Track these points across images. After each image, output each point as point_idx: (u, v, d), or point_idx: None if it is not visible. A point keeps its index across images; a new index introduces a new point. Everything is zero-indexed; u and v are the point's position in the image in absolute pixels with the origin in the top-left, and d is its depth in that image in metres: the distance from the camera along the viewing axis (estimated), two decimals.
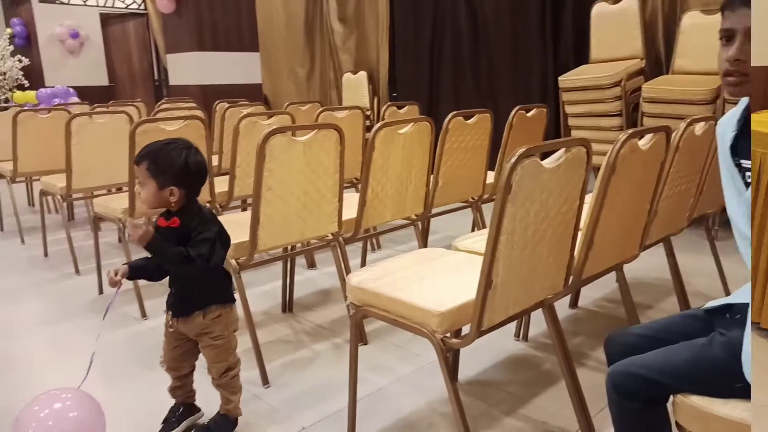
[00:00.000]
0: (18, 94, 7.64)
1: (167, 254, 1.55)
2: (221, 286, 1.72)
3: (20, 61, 8.08)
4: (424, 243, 2.87)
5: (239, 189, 2.94)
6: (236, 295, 2.18)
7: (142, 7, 9.28)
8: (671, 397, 1.20)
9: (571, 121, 4.05)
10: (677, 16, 3.85)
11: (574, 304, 2.74)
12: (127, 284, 2.81)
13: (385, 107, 4.00)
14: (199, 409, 1.85)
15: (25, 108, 4.12)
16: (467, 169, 2.93)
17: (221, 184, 3.00)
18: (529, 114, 3.22)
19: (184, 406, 1.82)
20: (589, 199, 1.64)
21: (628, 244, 1.95)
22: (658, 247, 2.27)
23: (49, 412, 1.43)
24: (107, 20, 9.53)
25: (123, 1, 9.54)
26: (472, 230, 3.42)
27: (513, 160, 1.25)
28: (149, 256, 1.61)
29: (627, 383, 1.21)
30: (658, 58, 4.08)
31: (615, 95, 3.73)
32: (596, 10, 4.12)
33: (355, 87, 6.12)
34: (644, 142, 1.72)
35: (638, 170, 1.74)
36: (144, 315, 2.73)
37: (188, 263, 1.54)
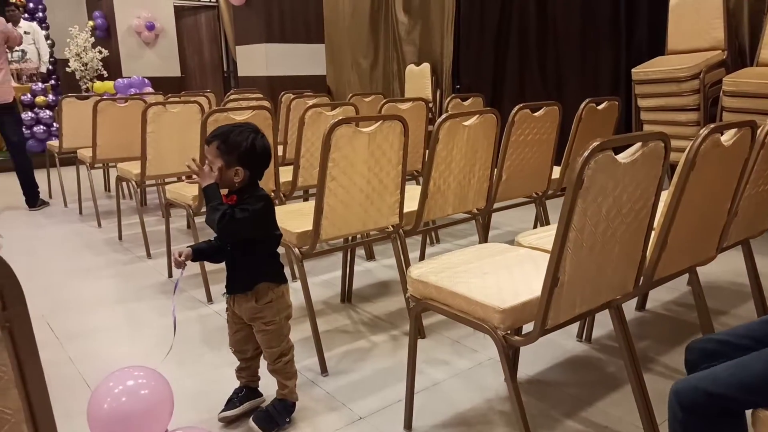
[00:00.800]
0: (98, 84, 8.05)
1: (210, 200, 1.64)
2: (270, 265, 1.76)
3: (100, 52, 8.50)
4: (484, 238, 2.83)
5: (303, 179, 2.99)
6: (297, 284, 2.23)
7: None
8: (748, 412, 1.14)
9: (644, 116, 3.88)
10: (765, 4, 3.61)
11: (641, 306, 2.63)
12: (195, 269, 2.96)
13: (448, 99, 3.95)
14: (261, 394, 1.90)
15: (104, 97, 4.33)
16: (532, 163, 2.86)
17: (285, 173, 3.05)
18: (599, 107, 3.10)
19: (247, 388, 1.88)
20: (664, 196, 1.56)
21: (704, 245, 1.85)
22: (735, 249, 2.14)
23: (123, 388, 1.51)
24: (180, 12, 9.89)
25: None
26: (534, 226, 3.34)
27: (586, 153, 1.21)
28: (211, 239, 1.76)
29: (695, 399, 1.15)
30: (741, 49, 3.84)
31: (693, 88, 3.54)
32: None
33: (418, 79, 6.09)
34: (727, 138, 1.62)
35: (719, 167, 1.65)
36: (210, 300, 2.83)
37: (214, 214, 1.61)
